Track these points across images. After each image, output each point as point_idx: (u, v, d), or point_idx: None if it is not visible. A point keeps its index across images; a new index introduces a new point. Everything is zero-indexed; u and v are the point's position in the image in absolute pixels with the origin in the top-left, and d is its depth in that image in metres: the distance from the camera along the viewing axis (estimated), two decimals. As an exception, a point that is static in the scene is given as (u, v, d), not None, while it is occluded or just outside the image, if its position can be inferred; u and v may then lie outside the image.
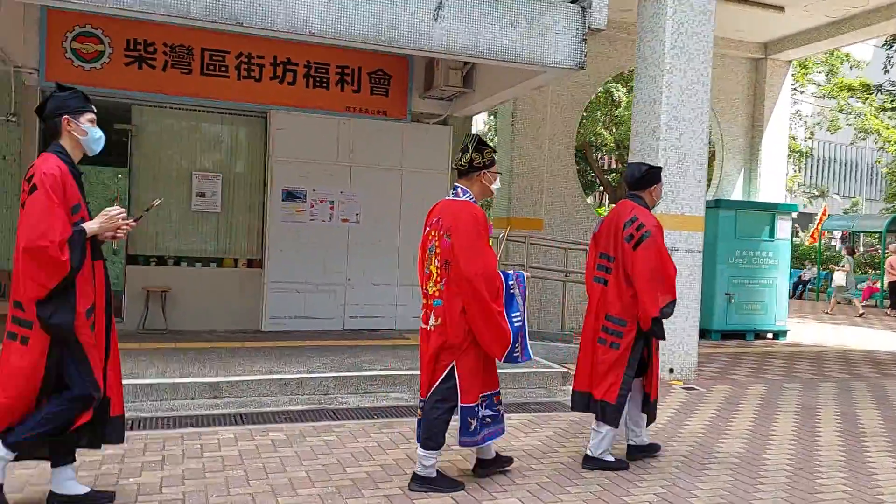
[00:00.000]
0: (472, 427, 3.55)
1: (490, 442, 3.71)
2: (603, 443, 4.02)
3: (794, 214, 10.45)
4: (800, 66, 25.80)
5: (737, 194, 11.27)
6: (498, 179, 3.79)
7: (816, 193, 46.42)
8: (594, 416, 4.04)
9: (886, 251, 17.24)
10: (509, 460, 4.00)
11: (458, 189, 3.68)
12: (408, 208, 8.69)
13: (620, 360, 3.94)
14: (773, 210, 10.22)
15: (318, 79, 8.20)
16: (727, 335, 10.11)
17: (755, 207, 10.26)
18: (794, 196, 49.91)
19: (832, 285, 16.49)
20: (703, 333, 10.08)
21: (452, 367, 3.52)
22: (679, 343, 6.84)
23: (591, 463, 4.05)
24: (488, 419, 3.65)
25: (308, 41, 6.11)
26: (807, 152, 33.70)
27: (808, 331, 11.73)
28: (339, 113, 8.30)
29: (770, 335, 10.36)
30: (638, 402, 4.21)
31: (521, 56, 6.25)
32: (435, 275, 3.54)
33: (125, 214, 3.17)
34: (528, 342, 3.61)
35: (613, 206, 5.34)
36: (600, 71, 10.37)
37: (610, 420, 3.95)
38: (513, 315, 3.50)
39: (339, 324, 8.43)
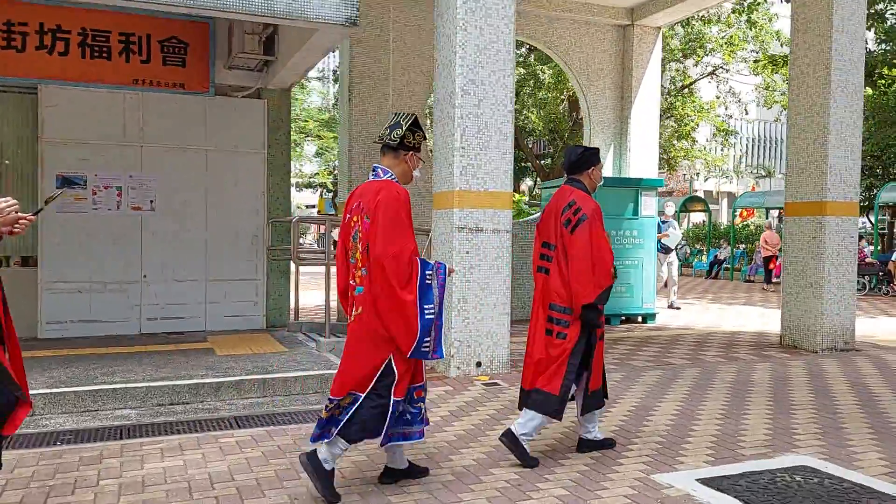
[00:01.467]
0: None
1: (400, 443, 3.40)
2: (528, 425, 3.81)
3: (661, 189, 9.84)
4: (727, 43, 25.62)
5: (607, 171, 10.63)
6: (420, 168, 3.56)
7: (763, 174, 46.64)
8: (527, 407, 3.82)
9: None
10: (424, 470, 3.61)
11: (379, 169, 3.42)
12: (216, 192, 7.79)
13: (566, 348, 3.78)
14: (636, 186, 9.59)
15: (96, 48, 7.18)
16: (591, 321, 9.46)
17: (617, 183, 9.61)
18: (740, 177, 50.21)
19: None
20: (566, 320, 9.46)
21: (390, 360, 3.23)
22: (488, 334, 6.09)
23: (510, 440, 3.82)
24: (407, 416, 3.38)
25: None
26: (732, 131, 33.62)
27: (691, 312, 11.21)
28: (126, 86, 7.30)
29: (640, 319, 9.79)
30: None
31: (277, 10, 5.39)
32: (359, 262, 3.29)
33: (18, 207, 2.75)
34: (443, 338, 3.34)
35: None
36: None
37: (552, 412, 3.76)
38: (425, 307, 3.22)
39: (135, 327, 7.48)
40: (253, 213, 7.91)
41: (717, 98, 28.69)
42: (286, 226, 7.88)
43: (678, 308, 11.35)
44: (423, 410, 3.43)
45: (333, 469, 3.25)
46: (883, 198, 16.91)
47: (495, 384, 5.79)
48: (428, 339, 3.22)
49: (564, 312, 3.78)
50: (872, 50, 17.16)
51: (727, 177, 47.01)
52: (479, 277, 6.06)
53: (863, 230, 25.31)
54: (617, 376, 6.20)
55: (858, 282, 15.46)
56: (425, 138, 3.49)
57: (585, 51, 10.39)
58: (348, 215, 3.40)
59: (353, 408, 3.19)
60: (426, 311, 3.21)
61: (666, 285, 11.99)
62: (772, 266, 15.94)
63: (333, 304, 7.39)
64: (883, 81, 17.39)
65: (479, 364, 6.08)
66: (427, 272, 3.24)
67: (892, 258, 15.84)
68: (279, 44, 7.25)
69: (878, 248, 18.37)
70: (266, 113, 7.94)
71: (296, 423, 4.68)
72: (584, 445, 4.03)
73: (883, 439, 4.31)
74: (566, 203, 3.87)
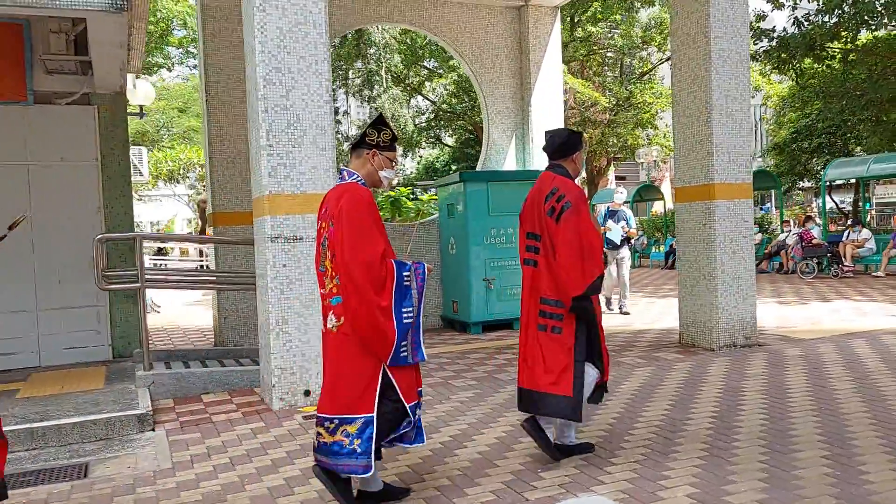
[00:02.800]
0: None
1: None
2: (567, 432, 3.79)
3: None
4: None
5: (510, 164, 9.91)
6: (391, 170, 3.35)
7: (755, 156, 46.10)
8: (544, 413, 3.66)
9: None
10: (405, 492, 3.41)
11: (345, 172, 3.31)
12: (43, 211, 7.02)
13: (566, 345, 3.58)
14: (533, 179, 8.84)
15: None
16: (490, 327, 8.75)
17: (511, 178, 8.89)
18: None
19: None
20: (464, 327, 8.75)
21: (385, 370, 3.09)
22: (317, 358, 5.34)
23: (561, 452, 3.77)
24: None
25: None
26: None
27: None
28: (-74, 100, 6.54)
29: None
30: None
31: (20, -2, 4.63)
32: (330, 270, 3.14)
33: None
34: (422, 341, 3.18)
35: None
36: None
37: (572, 415, 3.60)
38: (404, 310, 3.08)
39: (-44, 367, 6.70)
40: (88, 231, 7.11)
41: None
42: (128, 244, 7.11)
43: (627, 313, 9.87)
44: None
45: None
46: (830, 175, 16.28)
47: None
48: (405, 343, 3.07)
49: (557, 306, 3.62)
50: (814, 21, 16.47)
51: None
52: (302, 293, 5.31)
53: (812, 212, 24.79)
54: (469, 393, 5.47)
55: (807, 264, 14.89)
56: (395, 138, 3.32)
57: (477, 35, 9.66)
58: (320, 221, 3.28)
59: (370, 431, 3.03)
60: (404, 315, 3.07)
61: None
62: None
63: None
64: (825, 54, 16.74)
65: (307, 393, 5.33)
66: (405, 273, 3.10)
67: (843, 239, 15.22)
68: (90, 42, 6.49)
69: (828, 228, 17.71)
70: (97, 120, 7.17)
71: (32, 486, 3.92)
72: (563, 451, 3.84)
73: (709, 465, 3.60)
74: (549, 190, 3.69)
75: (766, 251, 17.07)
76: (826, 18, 16.20)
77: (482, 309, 8.61)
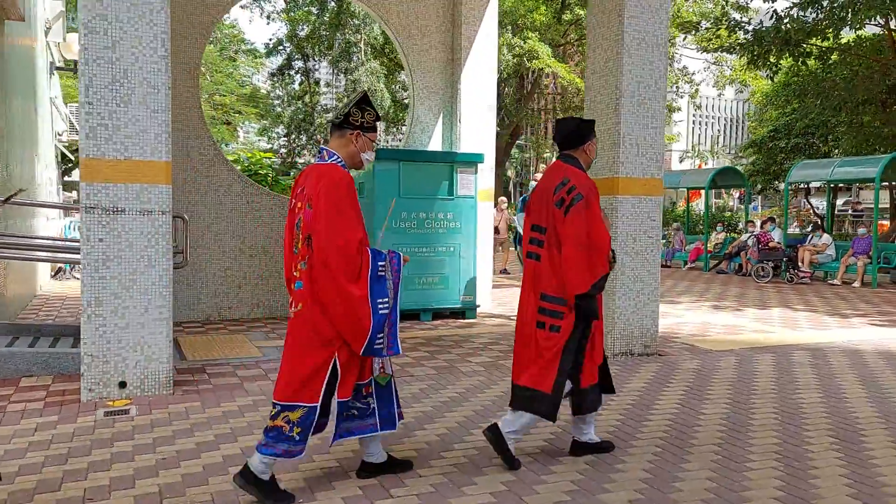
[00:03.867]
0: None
1: (358, 437, 3.23)
2: (517, 423, 3.52)
3: (482, 165, 8.50)
4: (674, 16, 24.30)
5: (436, 144, 9.30)
6: (372, 152, 3.26)
7: (740, 154, 45.59)
8: (515, 406, 3.52)
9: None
10: (406, 464, 3.41)
11: (324, 151, 3.21)
12: None
13: (559, 343, 3.45)
14: (451, 161, 8.27)
15: None
16: (394, 317, 8.20)
17: (426, 158, 8.27)
18: (716, 158, 48.93)
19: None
20: (366, 316, 8.18)
21: (335, 361, 3.02)
22: (135, 346, 4.77)
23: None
24: (354, 412, 3.20)
25: None
26: (676, 108, 32.37)
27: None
28: None
29: (455, 313, 8.50)
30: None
31: None
32: (300, 253, 3.05)
33: None
34: (399, 333, 3.12)
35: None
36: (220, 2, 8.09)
37: (545, 412, 3.44)
38: (379, 301, 3.01)
39: None
40: (-64, 190, 6.51)
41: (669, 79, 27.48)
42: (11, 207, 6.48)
43: None
44: (372, 405, 3.20)
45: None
46: (794, 177, 15.71)
47: (124, 412, 4.48)
48: (381, 335, 3.01)
49: (557, 303, 3.47)
50: (790, 15, 15.77)
51: (701, 158, 45.77)
52: (121, 272, 4.73)
53: (772, 212, 24.24)
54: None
55: (762, 268, 14.38)
56: (378, 118, 3.23)
57: (406, 4, 8.99)
58: (293, 200, 3.17)
59: (311, 419, 2.99)
60: (380, 306, 3.01)
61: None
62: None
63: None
64: (800, 51, 16.05)
65: (123, 385, 4.76)
66: (380, 263, 3.03)
67: (805, 243, 14.72)
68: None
69: (787, 231, 17.15)
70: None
71: None
72: (579, 448, 3.69)
73: (503, 499, 3.07)
74: (559, 181, 3.53)
75: (727, 251, 16.57)
76: (804, 14, 15.52)
77: (385, 297, 8.04)
